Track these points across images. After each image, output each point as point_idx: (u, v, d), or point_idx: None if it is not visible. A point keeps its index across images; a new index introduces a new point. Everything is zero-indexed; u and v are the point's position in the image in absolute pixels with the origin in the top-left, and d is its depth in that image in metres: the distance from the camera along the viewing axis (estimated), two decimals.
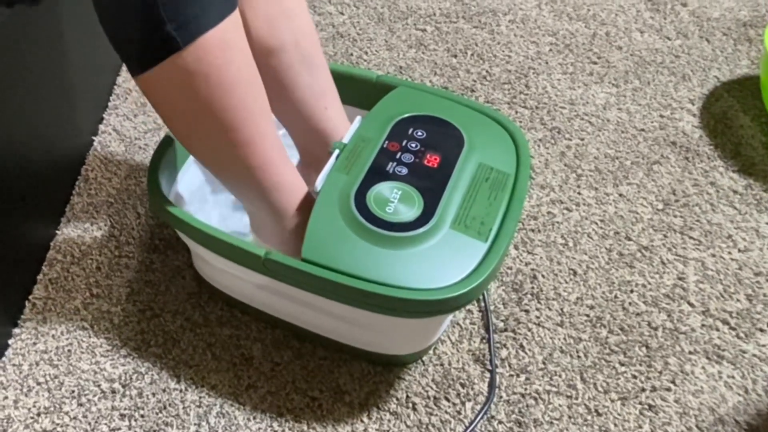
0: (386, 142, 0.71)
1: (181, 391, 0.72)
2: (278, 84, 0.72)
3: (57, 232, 0.85)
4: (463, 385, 0.73)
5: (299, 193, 0.69)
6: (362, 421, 0.70)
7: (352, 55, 1.11)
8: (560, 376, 0.74)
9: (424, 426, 0.70)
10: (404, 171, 0.68)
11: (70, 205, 0.88)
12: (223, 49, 0.59)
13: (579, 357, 0.76)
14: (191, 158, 0.81)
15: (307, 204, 0.70)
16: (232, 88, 0.60)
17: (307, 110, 0.75)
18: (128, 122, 0.98)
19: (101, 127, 0.98)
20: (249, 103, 0.62)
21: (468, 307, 0.80)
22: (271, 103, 0.66)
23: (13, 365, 0.73)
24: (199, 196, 0.82)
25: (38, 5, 0.62)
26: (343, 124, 0.77)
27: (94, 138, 0.96)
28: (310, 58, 0.73)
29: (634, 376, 0.74)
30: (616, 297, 0.81)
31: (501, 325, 0.78)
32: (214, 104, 0.60)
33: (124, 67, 1.07)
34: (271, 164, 0.66)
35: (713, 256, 0.85)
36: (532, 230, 0.87)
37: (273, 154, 0.66)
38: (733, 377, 0.74)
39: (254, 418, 0.70)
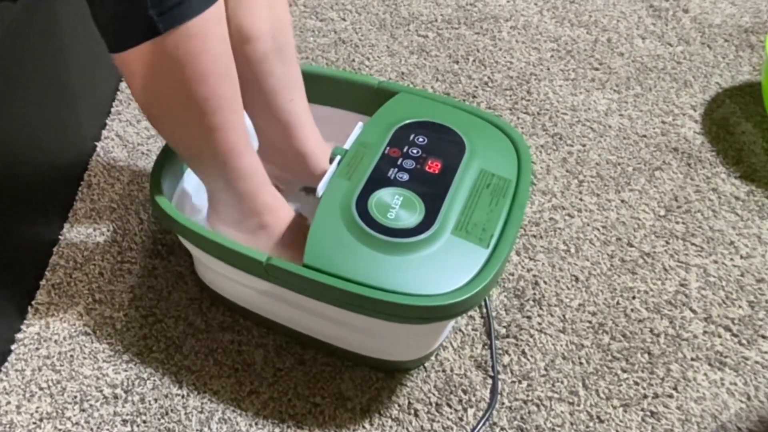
0: (388, 148, 0.71)
1: (183, 396, 0.72)
2: (250, 72, 0.73)
3: (60, 237, 0.85)
4: (465, 392, 0.73)
5: (260, 179, 0.71)
6: (364, 427, 0.70)
7: (353, 61, 1.11)
8: (562, 382, 0.74)
9: None
10: (406, 177, 0.68)
11: (73, 211, 0.88)
12: (202, 38, 0.59)
13: (581, 363, 0.75)
14: None
15: (269, 194, 0.71)
16: (207, 77, 0.61)
17: (275, 100, 0.76)
18: (131, 128, 0.99)
19: (104, 132, 0.98)
20: (222, 93, 0.63)
21: (470, 313, 0.80)
22: (240, 90, 0.67)
23: (16, 370, 0.74)
24: (203, 195, 0.82)
25: (16, 1, 0.64)
26: (306, 118, 0.78)
27: (96, 143, 0.96)
28: (285, 49, 0.74)
29: (636, 383, 0.74)
30: (618, 303, 0.81)
31: (503, 331, 0.78)
32: (187, 91, 0.61)
33: None
34: (237, 152, 0.67)
35: (715, 262, 0.85)
36: (534, 236, 0.87)
37: (240, 142, 0.67)
38: (735, 384, 0.74)
39: (256, 424, 0.70)
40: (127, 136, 0.97)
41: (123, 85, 1.06)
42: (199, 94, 0.62)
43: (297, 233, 0.73)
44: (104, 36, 0.60)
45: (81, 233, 0.86)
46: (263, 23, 0.72)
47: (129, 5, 0.56)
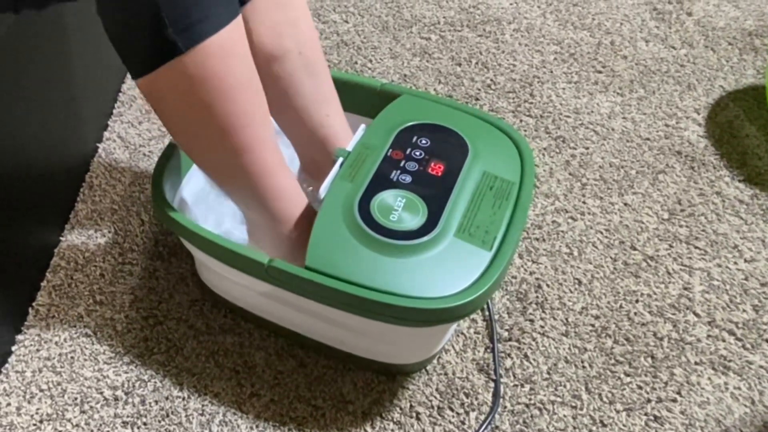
0: (390, 150, 0.71)
1: (183, 399, 0.72)
2: (280, 91, 0.72)
3: (61, 238, 0.85)
4: (467, 395, 0.73)
5: (297, 200, 0.69)
6: (365, 430, 0.70)
7: (356, 63, 1.11)
8: (565, 386, 0.73)
9: None
10: (408, 179, 0.68)
11: (74, 212, 0.88)
12: (223, 55, 0.59)
13: (584, 367, 0.75)
14: (195, 165, 0.81)
15: (305, 212, 0.70)
16: (231, 94, 0.60)
17: (309, 117, 0.75)
18: (133, 129, 0.98)
19: (106, 134, 0.98)
20: (248, 110, 0.62)
21: (472, 316, 0.79)
22: (272, 109, 0.66)
23: (16, 372, 0.73)
24: (203, 201, 0.82)
25: (44, 10, 0.63)
26: (344, 132, 0.77)
27: (98, 145, 0.96)
28: (313, 65, 0.73)
29: (640, 387, 0.73)
30: (621, 307, 0.80)
31: (505, 334, 0.78)
32: (213, 109, 0.60)
33: (128, 75, 1.08)
34: (270, 171, 0.66)
35: (719, 266, 0.84)
36: (537, 239, 0.87)
37: (272, 162, 0.66)
38: (739, 388, 0.74)
39: (257, 426, 0.70)
40: (129, 138, 0.97)
41: (125, 86, 1.05)
42: (226, 113, 0.60)
43: None
44: (127, 63, 0.60)
45: (82, 234, 0.86)
46: (286, 41, 0.71)
47: (147, 27, 0.56)
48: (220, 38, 0.58)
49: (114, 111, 1.01)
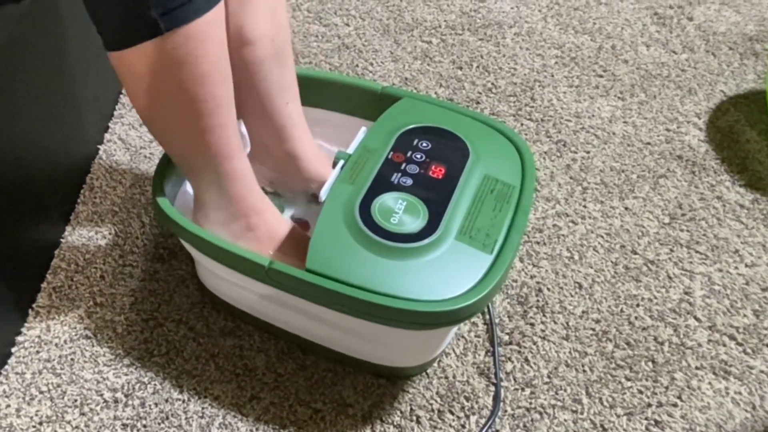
0: (391, 153, 0.71)
1: (183, 401, 0.72)
2: (247, 75, 0.73)
3: (61, 240, 0.85)
4: (467, 399, 0.73)
5: (250, 183, 0.71)
6: None
7: (357, 66, 1.11)
8: (565, 390, 0.73)
9: None
10: (409, 182, 0.68)
11: (75, 214, 0.88)
12: (202, 39, 0.59)
13: (584, 371, 0.75)
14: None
15: (256, 194, 0.71)
16: (204, 78, 0.61)
17: (270, 103, 0.76)
18: (133, 131, 0.99)
19: (107, 136, 0.98)
20: (219, 94, 0.63)
21: (473, 319, 0.79)
22: (235, 92, 0.66)
23: (16, 373, 0.73)
24: None
25: (19, 2, 0.64)
26: (300, 122, 0.78)
27: (99, 147, 0.96)
28: (282, 53, 0.74)
29: (640, 391, 0.73)
30: (622, 311, 0.80)
31: (506, 338, 0.78)
32: (185, 92, 0.61)
33: None
34: (229, 153, 0.67)
35: (720, 270, 0.84)
36: (538, 243, 0.87)
37: (232, 144, 0.67)
38: (740, 393, 0.73)
39: (257, 429, 0.70)
40: (130, 140, 0.97)
41: None
42: (197, 96, 0.61)
43: (294, 240, 0.72)
44: (102, 33, 0.60)
45: (83, 236, 0.86)
46: (264, 26, 0.72)
47: (131, 4, 0.56)
48: (202, 22, 0.59)
49: (115, 113, 1.01)
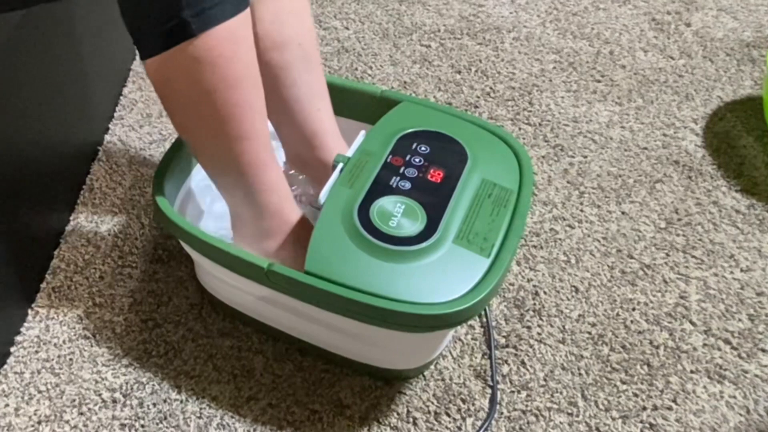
0: (390, 156, 0.71)
1: (181, 401, 0.72)
2: (276, 80, 0.73)
3: (61, 240, 0.85)
4: (464, 401, 0.73)
5: (284, 194, 0.70)
6: None
7: (356, 69, 1.12)
8: (561, 393, 0.74)
9: None
10: (408, 185, 0.69)
11: (74, 215, 0.88)
12: (233, 42, 0.60)
13: (580, 374, 0.75)
14: (198, 167, 0.81)
15: (291, 206, 0.70)
16: (236, 81, 0.61)
17: (301, 110, 0.75)
18: (134, 133, 0.99)
19: (107, 137, 0.98)
20: (249, 99, 0.63)
21: (470, 322, 0.80)
22: (265, 99, 0.67)
23: (15, 373, 0.73)
24: (209, 191, 0.81)
25: (58, 1, 0.64)
26: (333, 129, 0.78)
27: (99, 148, 0.96)
28: (310, 57, 0.74)
29: (636, 395, 0.74)
30: (617, 315, 0.81)
31: (502, 341, 0.78)
32: (216, 95, 0.61)
33: (130, 78, 1.08)
34: (261, 163, 0.67)
35: (715, 275, 0.85)
36: (535, 247, 0.87)
37: (264, 154, 0.67)
38: (734, 397, 0.74)
39: (254, 430, 0.70)
40: (130, 141, 0.98)
41: (126, 89, 1.06)
42: (228, 100, 0.61)
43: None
44: (138, 42, 0.61)
45: (82, 237, 0.86)
46: (290, 30, 0.72)
47: (164, 8, 0.57)
48: (232, 24, 0.59)
49: (115, 114, 1.02)
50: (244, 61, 0.62)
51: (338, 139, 0.78)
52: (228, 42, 0.59)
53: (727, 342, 0.79)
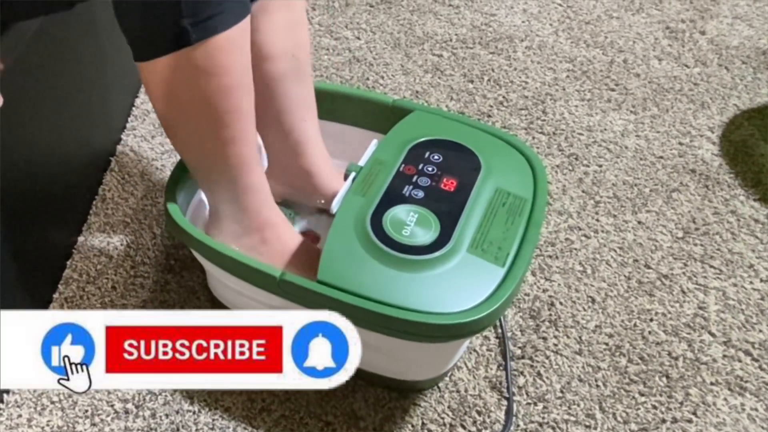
0: (403, 165, 0.71)
1: (194, 413, 0.71)
2: (267, 90, 0.74)
3: (73, 251, 0.85)
4: (479, 413, 0.72)
5: (265, 195, 0.71)
6: None
7: (368, 79, 1.12)
8: (579, 405, 0.73)
9: None
10: (421, 194, 0.68)
11: (87, 225, 0.88)
12: (230, 51, 0.60)
13: (598, 386, 0.74)
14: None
15: (271, 208, 0.71)
16: (231, 89, 0.62)
17: (287, 120, 0.76)
18: (146, 143, 0.99)
19: (119, 147, 0.98)
20: (242, 105, 0.64)
21: (485, 333, 0.79)
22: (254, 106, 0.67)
23: None
24: None
25: (72, 9, 0.65)
26: (316, 139, 0.79)
27: (111, 158, 0.97)
28: (303, 69, 0.75)
29: (654, 407, 0.72)
30: (635, 326, 0.79)
31: (518, 352, 0.77)
32: (210, 101, 0.62)
33: (142, 89, 1.08)
34: (248, 166, 0.67)
35: (735, 285, 0.83)
36: (550, 256, 0.86)
37: (251, 157, 0.68)
38: (756, 409, 0.72)
39: None
40: (142, 151, 0.98)
41: (138, 100, 1.06)
42: (221, 106, 0.62)
43: (305, 254, 0.72)
44: (132, 43, 0.61)
45: (94, 247, 0.86)
46: (285, 42, 0.72)
47: (164, 15, 0.57)
48: (231, 34, 0.59)
49: (127, 125, 1.02)
50: (240, 69, 0.62)
51: (321, 148, 0.79)
52: (226, 52, 0.60)
53: (747, 353, 0.77)
